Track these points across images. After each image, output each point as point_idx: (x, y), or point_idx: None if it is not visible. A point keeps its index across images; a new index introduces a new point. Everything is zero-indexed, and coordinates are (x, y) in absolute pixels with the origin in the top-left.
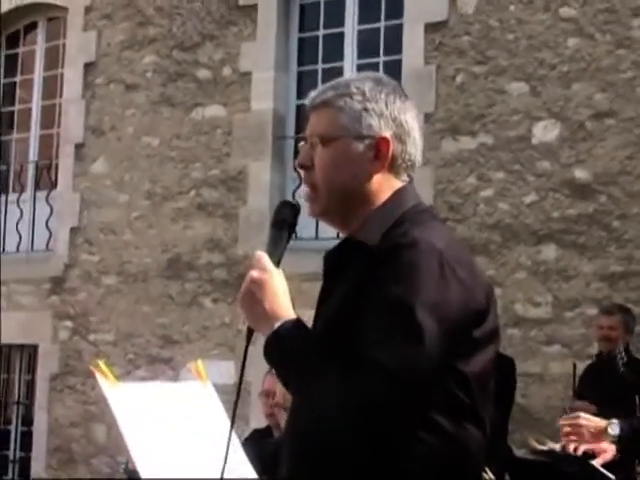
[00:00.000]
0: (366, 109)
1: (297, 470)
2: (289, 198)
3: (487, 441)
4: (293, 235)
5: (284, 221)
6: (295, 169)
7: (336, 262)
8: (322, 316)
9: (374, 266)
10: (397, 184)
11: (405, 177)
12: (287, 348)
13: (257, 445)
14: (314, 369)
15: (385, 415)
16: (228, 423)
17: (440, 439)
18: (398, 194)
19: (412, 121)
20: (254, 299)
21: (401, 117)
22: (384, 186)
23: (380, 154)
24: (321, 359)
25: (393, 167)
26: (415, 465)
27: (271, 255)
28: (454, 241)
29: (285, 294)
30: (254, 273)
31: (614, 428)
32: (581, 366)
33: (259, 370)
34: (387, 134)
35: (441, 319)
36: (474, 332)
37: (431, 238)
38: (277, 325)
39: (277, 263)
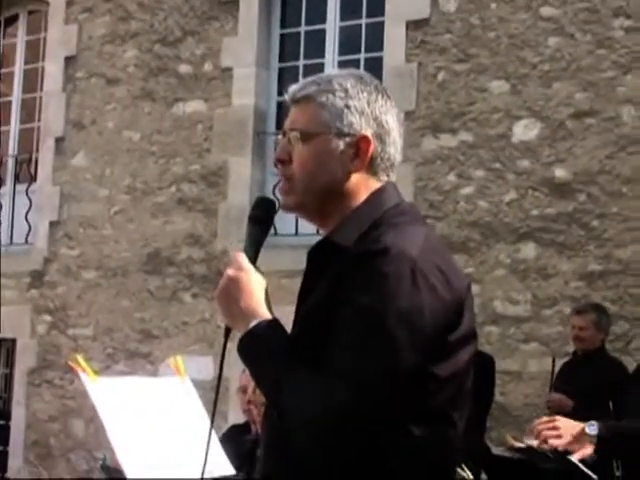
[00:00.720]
0: (348, 106)
1: (274, 469)
2: (269, 194)
3: (460, 443)
4: (272, 231)
5: (260, 217)
6: (276, 165)
7: (314, 261)
8: (299, 316)
9: (345, 272)
10: (376, 184)
11: (384, 177)
12: (259, 347)
13: (235, 441)
14: (284, 371)
15: (348, 423)
16: (206, 418)
17: (412, 443)
18: (377, 195)
19: (392, 121)
20: (230, 297)
21: (382, 117)
22: (362, 185)
23: (360, 152)
24: (292, 361)
25: (372, 167)
26: (386, 469)
27: (247, 251)
28: (431, 245)
29: (261, 292)
30: (230, 271)
31: (592, 429)
32: (559, 364)
33: (238, 366)
34: (368, 133)
35: (412, 328)
36: (448, 337)
37: (404, 244)
38: (252, 324)
39: (254, 259)
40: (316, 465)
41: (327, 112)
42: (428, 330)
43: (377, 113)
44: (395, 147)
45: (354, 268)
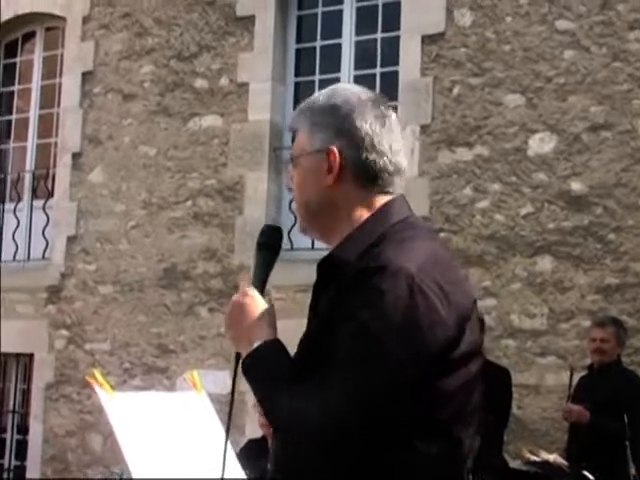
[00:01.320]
0: (315, 123)
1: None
2: (285, 209)
3: (467, 459)
4: (288, 246)
5: (267, 244)
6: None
7: (320, 276)
8: (305, 331)
9: (345, 288)
10: (375, 198)
11: (378, 187)
12: (259, 367)
13: (252, 456)
14: (282, 389)
15: (346, 438)
16: (223, 433)
17: (416, 459)
18: (383, 209)
19: (370, 126)
20: (235, 322)
21: (353, 124)
22: (352, 199)
23: (330, 166)
24: (291, 379)
25: (354, 178)
26: None
27: (255, 277)
28: (434, 260)
29: (264, 316)
30: (235, 297)
31: None
32: (576, 377)
33: None
34: (335, 145)
35: (408, 344)
36: (448, 354)
37: (403, 261)
38: (254, 346)
39: (262, 284)
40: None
41: (302, 134)
42: (426, 346)
43: (347, 126)
44: (379, 152)
45: (353, 285)
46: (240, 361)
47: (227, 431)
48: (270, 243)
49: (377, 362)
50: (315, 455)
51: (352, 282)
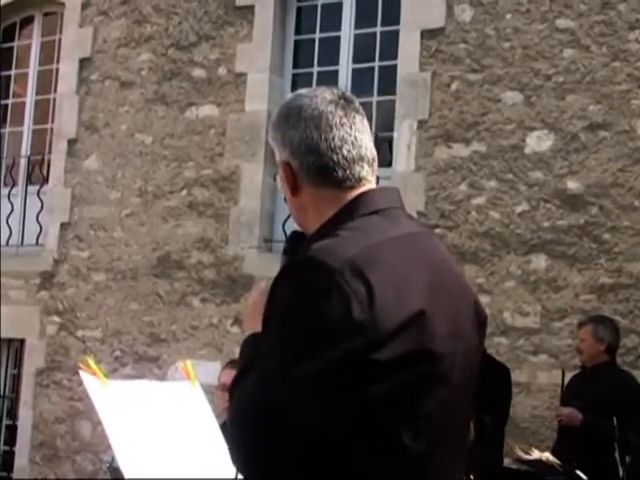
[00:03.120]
0: (272, 139)
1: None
2: (280, 201)
3: (417, 468)
4: (283, 237)
5: (290, 249)
6: None
7: None
8: None
9: (276, 282)
10: (343, 194)
11: (344, 182)
12: (241, 355)
13: None
14: (240, 374)
15: (247, 428)
16: (215, 424)
17: (354, 464)
18: (348, 205)
19: (303, 131)
20: (247, 316)
21: (288, 134)
22: (321, 200)
23: (287, 179)
24: (246, 367)
25: (312, 182)
26: None
27: None
28: (385, 258)
29: None
30: (250, 295)
31: None
32: (568, 376)
33: None
34: (282, 158)
35: (315, 340)
36: (368, 355)
37: (330, 256)
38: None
39: None
40: (242, 459)
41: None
42: (330, 343)
43: (285, 136)
44: (319, 152)
45: (280, 277)
46: None
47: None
48: (289, 249)
49: (281, 357)
50: (235, 436)
51: (280, 275)
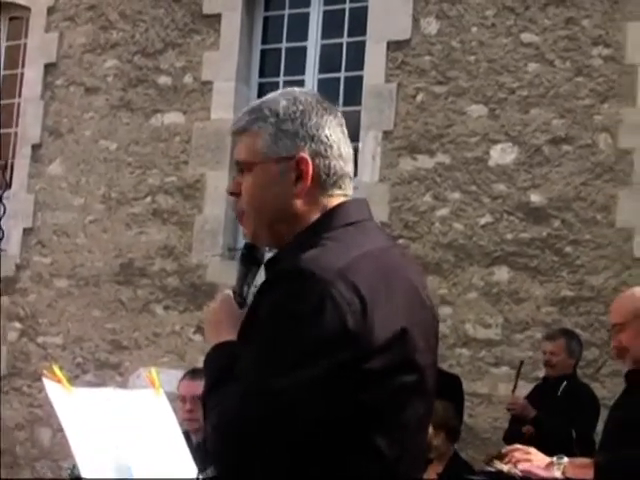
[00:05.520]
0: (281, 130)
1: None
2: None
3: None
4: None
5: (246, 256)
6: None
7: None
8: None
9: (265, 289)
10: (329, 201)
11: (335, 191)
12: (209, 363)
13: None
14: (211, 384)
15: (230, 440)
16: (179, 433)
17: (334, 468)
18: (330, 213)
19: (335, 134)
20: (207, 326)
21: (320, 132)
22: (312, 204)
23: (302, 174)
24: (221, 376)
25: (319, 184)
26: None
27: (236, 288)
28: (361, 269)
29: (232, 320)
30: (212, 303)
31: (560, 457)
32: (529, 387)
33: None
34: (305, 153)
35: (308, 351)
36: (362, 364)
37: (321, 267)
38: (212, 345)
39: (240, 294)
40: (222, 469)
41: (261, 140)
42: (323, 353)
43: (314, 131)
44: (342, 159)
45: (270, 287)
46: None
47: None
48: (246, 257)
49: (271, 361)
50: (217, 444)
51: (270, 284)
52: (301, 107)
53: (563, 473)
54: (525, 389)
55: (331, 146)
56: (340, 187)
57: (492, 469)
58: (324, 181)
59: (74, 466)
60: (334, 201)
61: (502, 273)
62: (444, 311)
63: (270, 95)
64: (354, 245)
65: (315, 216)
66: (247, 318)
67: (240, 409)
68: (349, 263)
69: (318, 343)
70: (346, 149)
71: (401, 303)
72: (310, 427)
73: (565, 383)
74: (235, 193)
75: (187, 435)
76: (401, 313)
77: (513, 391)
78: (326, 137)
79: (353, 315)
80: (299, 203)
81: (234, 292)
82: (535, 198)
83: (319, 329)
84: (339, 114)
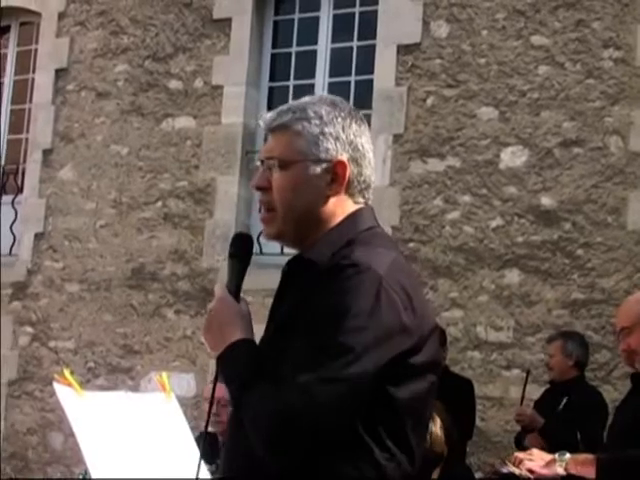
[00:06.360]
0: (323, 133)
1: (232, 470)
2: (255, 212)
3: (416, 470)
4: (257, 250)
5: (238, 252)
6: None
7: (287, 278)
8: (270, 326)
9: (317, 283)
10: (352, 206)
11: (360, 199)
12: (230, 364)
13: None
14: (249, 381)
15: (301, 431)
16: (190, 437)
17: (364, 462)
18: (353, 217)
19: (367, 144)
20: (212, 327)
21: (357, 140)
22: (339, 208)
23: (337, 177)
24: (256, 371)
25: (349, 189)
26: None
27: (229, 284)
28: (399, 269)
29: (237, 319)
30: (211, 305)
31: (562, 453)
32: (541, 390)
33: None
34: (344, 157)
35: (370, 341)
36: (406, 359)
37: (373, 262)
38: (226, 346)
39: (236, 290)
40: (266, 464)
41: (303, 140)
42: (385, 345)
43: (352, 137)
44: (371, 169)
45: (323, 280)
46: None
47: (205, 428)
48: (239, 252)
49: (333, 352)
50: (266, 437)
51: (322, 277)
52: (342, 114)
53: (565, 469)
54: (538, 392)
55: (365, 155)
56: (364, 196)
57: (505, 471)
58: (354, 188)
59: (86, 472)
60: (355, 207)
61: (513, 276)
62: (455, 314)
63: (308, 98)
64: (385, 247)
65: (337, 220)
66: (294, 310)
67: (310, 398)
68: (392, 262)
69: (379, 334)
70: (373, 160)
71: (426, 304)
72: (356, 417)
73: (566, 398)
74: (262, 187)
75: (215, 437)
76: (428, 313)
77: (521, 402)
78: (362, 146)
79: (405, 310)
80: (328, 206)
81: (228, 289)
82: (546, 201)
83: (380, 321)
84: (367, 127)
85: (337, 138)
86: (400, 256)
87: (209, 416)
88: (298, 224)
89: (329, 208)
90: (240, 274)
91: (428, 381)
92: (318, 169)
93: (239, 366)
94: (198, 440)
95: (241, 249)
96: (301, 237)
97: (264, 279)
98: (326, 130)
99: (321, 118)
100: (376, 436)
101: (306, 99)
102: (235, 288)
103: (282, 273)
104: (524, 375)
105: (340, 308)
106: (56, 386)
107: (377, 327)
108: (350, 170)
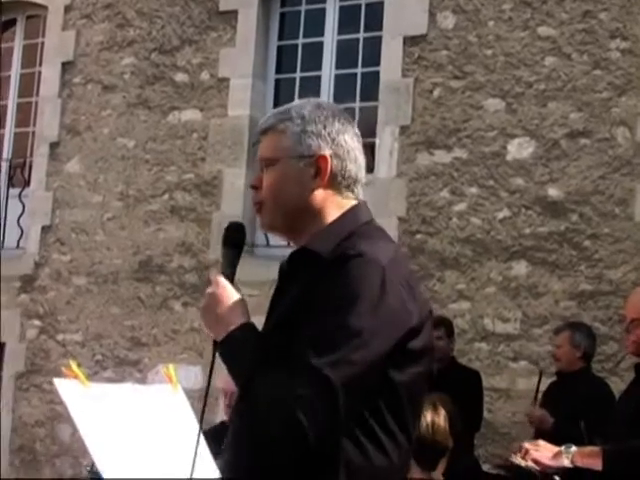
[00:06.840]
0: (305, 131)
1: (236, 457)
2: None
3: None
4: (265, 242)
5: (232, 240)
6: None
7: (289, 269)
8: (273, 316)
9: (323, 273)
10: (345, 201)
11: (349, 194)
12: (235, 347)
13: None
14: (256, 366)
15: (314, 414)
16: (197, 428)
17: (370, 443)
18: (353, 211)
19: (351, 141)
20: (211, 311)
21: (340, 137)
22: (328, 202)
23: (320, 171)
24: (264, 357)
25: (334, 184)
26: (344, 468)
27: (224, 271)
28: (399, 259)
29: (238, 303)
30: (209, 290)
31: (569, 446)
32: (546, 383)
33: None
34: (326, 153)
35: (378, 325)
36: (407, 344)
37: (377, 253)
38: (230, 329)
39: (231, 277)
40: (272, 450)
41: (287, 138)
42: (389, 332)
43: (334, 135)
44: (357, 165)
45: (329, 270)
46: (216, 349)
47: (201, 419)
48: (233, 241)
49: (343, 339)
50: (274, 423)
51: (328, 267)
52: (325, 113)
53: (572, 462)
54: (544, 384)
55: (348, 151)
56: (353, 191)
57: (515, 462)
58: (339, 182)
59: (93, 464)
60: (349, 202)
61: (520, 267)
62: (462, 306)
63: (296, 102)
64: (385, 240)
65: (332, 214)
66: (300, 300)
67: (324, 381)
68: (394, 254)
69: (388, 319)
70: (360, 157)
71: (422, 293)
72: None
73: (579, 380)
74: (255, 187)
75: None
76: (425, 301)
77: (534, 401)
78: (344, 142)
79: (407, 296)
80: (314, 198)
81: (225, 275)
82: (553, 192)
83: (386, 307)
84: (356, 127)
85: (319, 135)
86: (399, 249)
87: (205, 407)
88: (286, 216)
89: (316, 201)
90: (233, 261)
91: (423, 366)
92: (301, 164)
93: (246, 354)
94: (209, 433)
95: (234, 237)
96: (292, 229)
97: (271, 271)
98: (308, 128)
99: (303, 118)
100: (379, 418)
101: (293, 103)
102: (230, 275)
103: (280, 267)
104: (532, 368)
105: (348, 295)
106: (57, 382)
107: (384, 312)
108: (333, 164)
